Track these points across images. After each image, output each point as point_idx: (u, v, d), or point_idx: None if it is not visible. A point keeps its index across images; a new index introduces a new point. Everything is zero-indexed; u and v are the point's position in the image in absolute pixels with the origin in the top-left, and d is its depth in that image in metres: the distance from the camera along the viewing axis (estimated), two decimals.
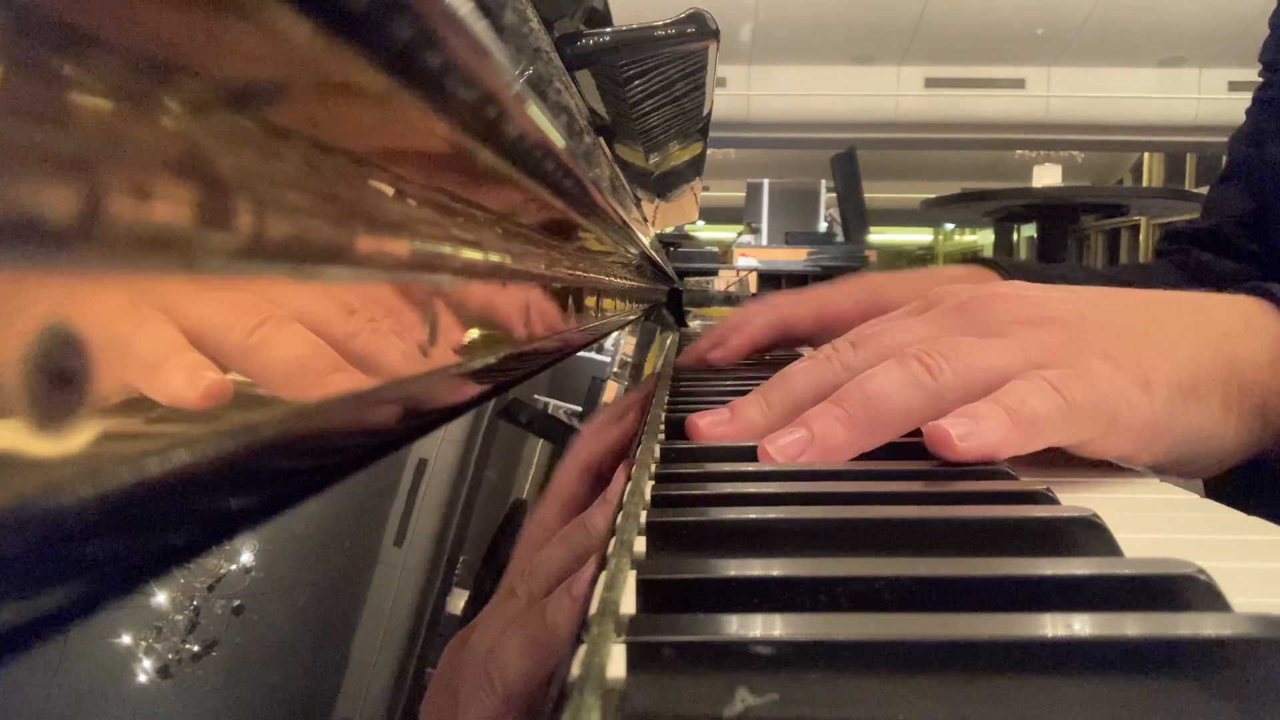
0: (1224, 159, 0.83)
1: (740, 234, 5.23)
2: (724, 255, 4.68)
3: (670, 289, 1.40)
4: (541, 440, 0.33)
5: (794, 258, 4.55)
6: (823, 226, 5.60)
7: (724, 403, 0.40)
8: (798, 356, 0.44)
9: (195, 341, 0.11)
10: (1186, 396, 0.36)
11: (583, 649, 0.17)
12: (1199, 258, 0.79)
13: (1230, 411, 0.37)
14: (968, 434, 0.32)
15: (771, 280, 4.44)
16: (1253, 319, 0.40)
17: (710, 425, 0.39)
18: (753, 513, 0.25)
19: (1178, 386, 0.36)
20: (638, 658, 0.16)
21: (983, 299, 0.40)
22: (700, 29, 0.44)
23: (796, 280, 4.37)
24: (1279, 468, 0.40)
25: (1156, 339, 0.37)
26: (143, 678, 0.10)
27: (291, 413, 0.14)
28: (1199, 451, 0.37)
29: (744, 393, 0.41)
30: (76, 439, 0.09)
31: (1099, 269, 0.84)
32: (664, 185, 0.78)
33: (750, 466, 0.34)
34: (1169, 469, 0.38)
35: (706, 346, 0.69)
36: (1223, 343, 0.38)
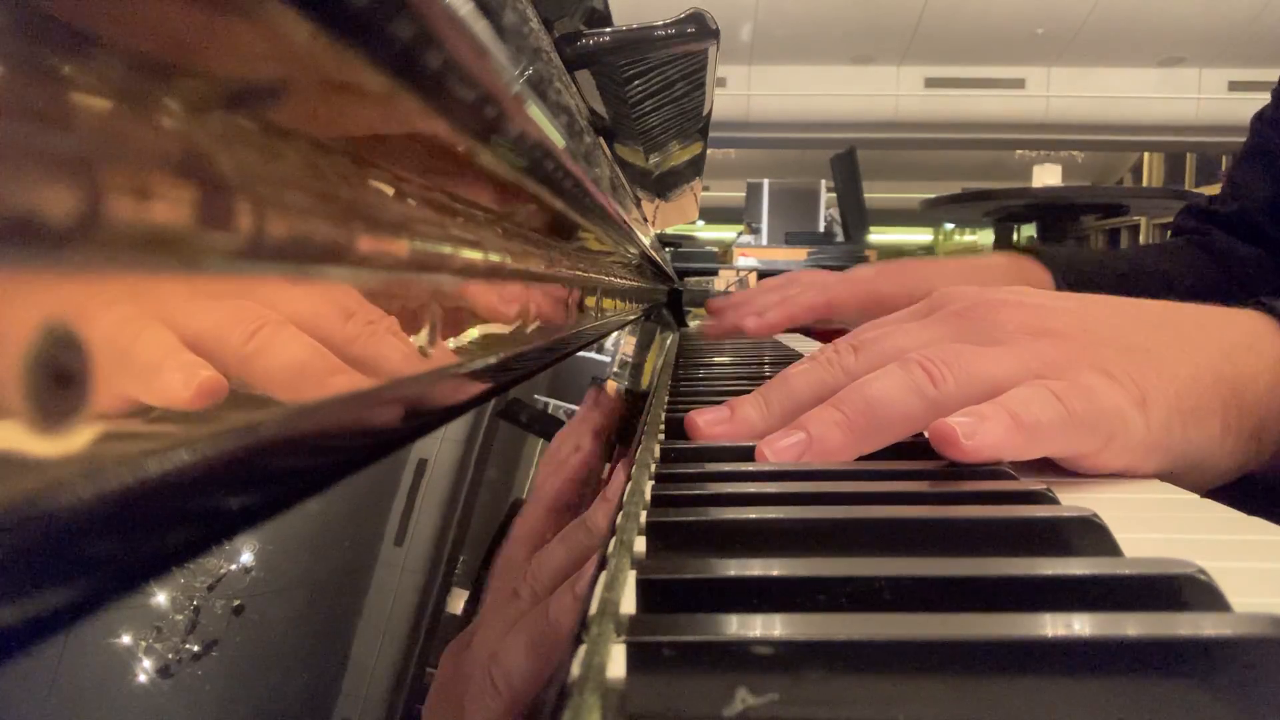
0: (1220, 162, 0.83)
1: (740, 234, 5.23)
2: (724, 255, 4.68)
3: (670, 289, 1.40)
4: (541, 440, 0.33)
5: (794, 258, 4.54)
6: (823, 226, 5.60)
7: (722, 402, 0.41)
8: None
9: (193, 345, 0.11)
10: (1185, 418, 0.36)
11: (583, 649, 0.17)
12: (1218, 238, 0.78)
13: (1229, 434, 0.37)
14: (973, 432, 0.32)
15: None
16: (1256, 338, 0.39)
17: (709, 424, 0.39)
18: (752, 513, 0.25)
19: (1176, 408, 0.36)
20: (638, 658, 0.16)
21: (986, 306, 0.40)
22: (700, 29, 0.45)
23: None
24: (1275, 483, 0.39)
25: (1159, 356, 0.37)
26: (143, 678, 0.10)
27: (292, 413, 0.14)
28: (1193, 470, 0.37)
29: (745, 393, 0.41)
30: (76, 439, 0.09)
31: (1128, 251, 0.84)
32: (664, 185, 0.78)
33: (750, 466, 0.34)
34: None
35: (741, 313, 0.67)
36: (1225, 363, 0.37)
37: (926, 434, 0.34)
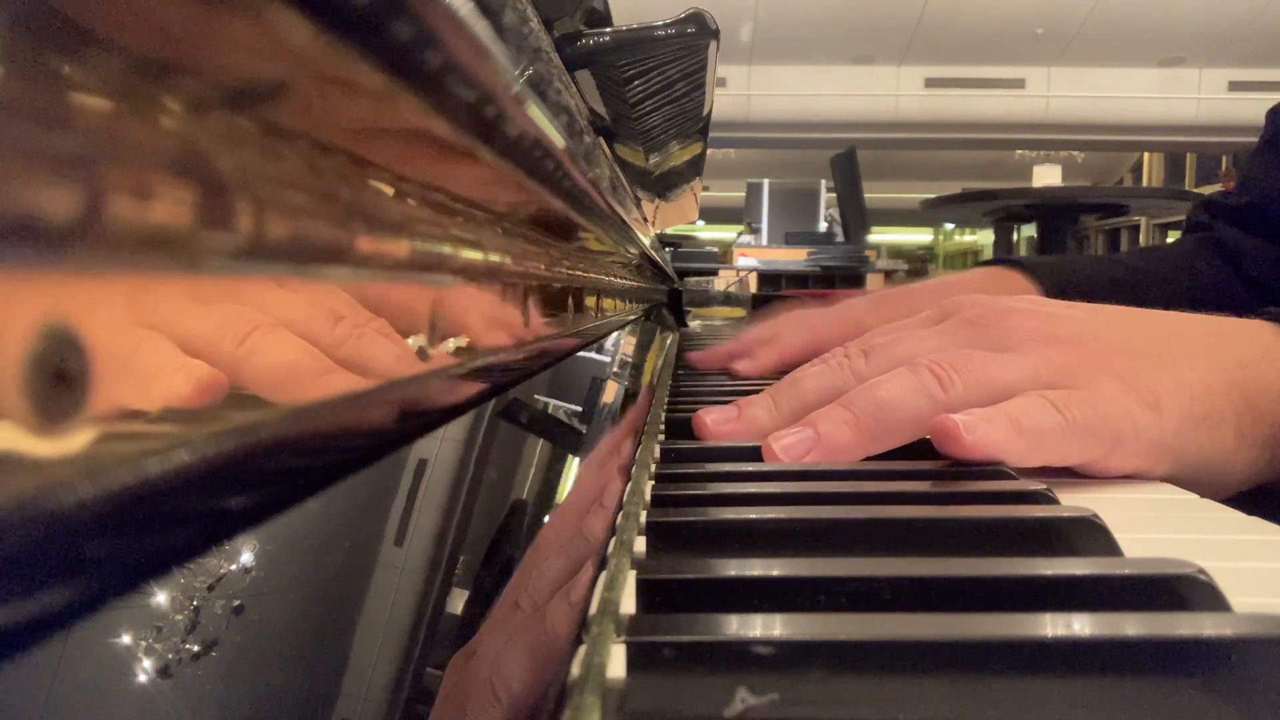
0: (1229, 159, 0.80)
1: (740, 234, 5.24)
2: (724, 255, 4.68)
3: (670, 289, 1.40)
4: (541, 440, 0.33)
5: (794, 258, 4.55)
6: (823, 226, 5.61)
7: (726, 403, 0.40)
8: None
9: (188, 347, 0.11)
10: (1198, 424, 0.36)
11: (583, 649, 0.17)
12: (1226, 233, 0.76)
13: (1243, 441, 0.37)
14: (975, 427, 0.32)
15: (771, 280, 4.44)
16: (1269, 347, 0.39)
17: (717, 423, 0.39)
18: (753, 513, 0.25)
19: (1190, 413, 0.36)
20: (638, 658, 0.16)
21: (998, 313, 0.40)
22: (700, 29, 0.45)
23: (796, 280, 4.37)
24: None
25: (1172, 363, 0.37)
26: (143, 678, 0.10)
27: (291, 413, 0.14)
28: (1205, 478, 0.37)
29: (745, 393, 0.41)
30: (76, 439, 0.09)
31: (1127, 255, 0.81)
32: (664, 185, 0.78)
33: (750, 466, 0.34)
34: None
35: (733, 353, 0.66)
36: (1238, 371, 0.37)
37: (929, 432, 0.33)
